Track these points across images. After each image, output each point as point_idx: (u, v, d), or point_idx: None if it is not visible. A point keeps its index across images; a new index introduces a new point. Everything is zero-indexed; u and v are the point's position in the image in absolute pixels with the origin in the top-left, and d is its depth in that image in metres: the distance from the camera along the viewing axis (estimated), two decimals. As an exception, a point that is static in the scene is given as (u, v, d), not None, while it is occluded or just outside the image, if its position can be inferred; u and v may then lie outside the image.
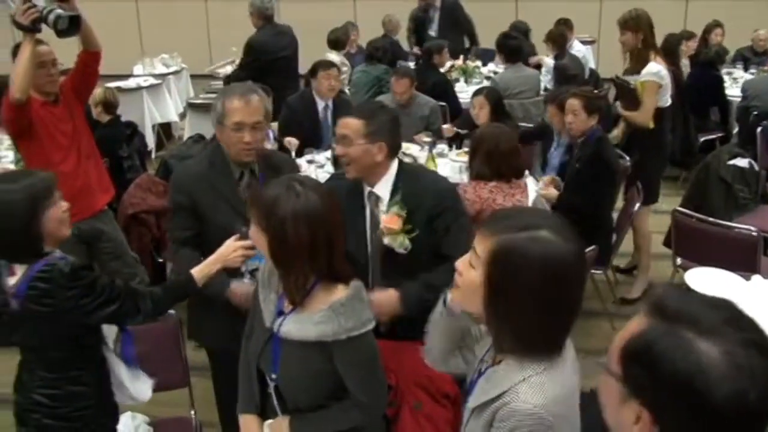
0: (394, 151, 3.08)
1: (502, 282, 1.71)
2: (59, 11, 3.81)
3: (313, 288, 2.31)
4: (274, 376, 2.40)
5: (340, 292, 2.29)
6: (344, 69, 7.95)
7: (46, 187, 2.61)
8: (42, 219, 2.56)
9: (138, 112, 8.53)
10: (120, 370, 2.82)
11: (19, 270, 2.58)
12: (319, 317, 2.26)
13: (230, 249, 2.81)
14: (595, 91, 6.08)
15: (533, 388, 1.71)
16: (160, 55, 9.99)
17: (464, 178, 4.93)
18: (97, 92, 6.16)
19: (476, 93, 6.04)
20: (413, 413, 2.84)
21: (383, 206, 3.06)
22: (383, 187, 3.07)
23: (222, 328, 3.06)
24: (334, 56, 7.76)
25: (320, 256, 2.24)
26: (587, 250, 4.02)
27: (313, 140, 5.94)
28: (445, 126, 6.26)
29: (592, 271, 4.57)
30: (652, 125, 5.18)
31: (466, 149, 5.79)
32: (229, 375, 3.15)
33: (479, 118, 5.79)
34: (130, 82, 9.07)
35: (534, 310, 1.69)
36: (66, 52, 4.56)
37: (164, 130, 9.26)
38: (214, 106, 3.12)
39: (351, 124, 3.00)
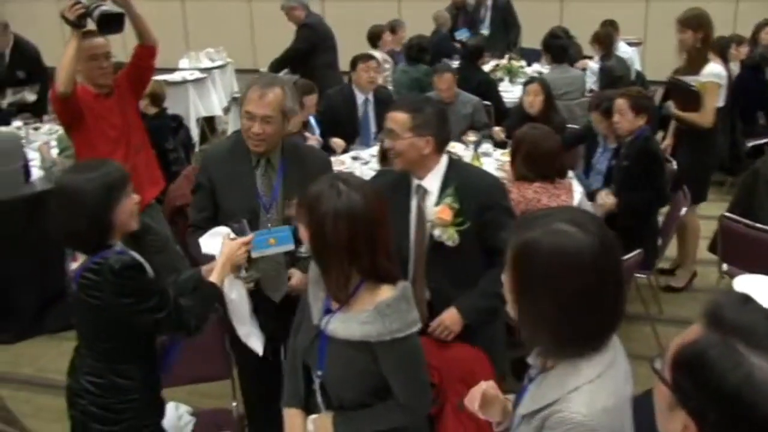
0: (442, 144, 3.10)
1: (524, 280, 1.72)
2: (104, 8, 3.88)
3: (358, 288, 2.32)
4: (319, 372, 2.41)
5: (386, 292, 2.28)
6: (386, 66, 7.96)
7: (122, 177, 2.64)
8: (115, 209, 2.58)
9: (183, 105, 8.60)
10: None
11: (82, 256, 2.62)
12: (365, 317, 2.26)
13: (234, 249, 2.84)
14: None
15: (585, 397, 1.68)
16: (205, 49, 10.07)
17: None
18: None
19: (529, 81, 6.06)
20: (456, 412, 2.84)
21: (431, 200, 3.07)
22: (432, 181, 3.09)
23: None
24: (376, 54, 7.77)
25: (361, 255, 2.24)
26: (632, 253, 3.99)
27: (351, 134, 5.96)
28: (495, 128, 6.20)
29: (637, 274, 4.51)
30: (710, 126, 5.13)
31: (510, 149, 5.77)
32: (254, 369, 3.20)
33: (533, 106, 5.80)
34: (176, 76, 9.15)
35: (557, 305, 1.67)
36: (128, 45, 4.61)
37: (208, 124, 9.33)
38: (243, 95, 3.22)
39: (397, 118, 3.04)
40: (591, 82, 7.74)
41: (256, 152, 3.15)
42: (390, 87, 7.35)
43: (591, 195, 4.83)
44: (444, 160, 3.11)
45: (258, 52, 11.24)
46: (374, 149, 5.55)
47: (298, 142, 3.36)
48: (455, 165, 3.16)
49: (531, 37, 9.67)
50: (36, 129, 6.75)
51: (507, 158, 5.48)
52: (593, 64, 7.88)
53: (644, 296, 4.96)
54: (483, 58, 7.96)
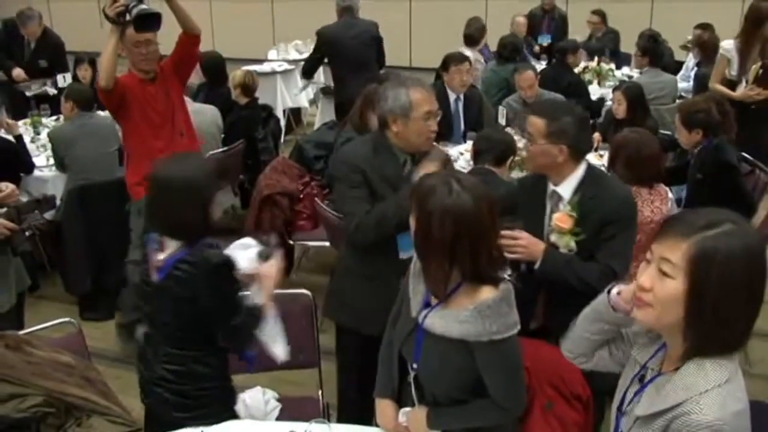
0: (579, 153, 3.07)
1: (712, 284, 1.67)
2: (143, 6, 4.01)
3: (459, 286, 2.32)
4: (415, 365, 2.44)
5: (488, 293, 2.28)
6: (478, 66, 7.93)
7: (215, 170, 2.72)
8: (215, 200, 2.67)
9: (271, 96, 8.74)
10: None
11: (171, 246, 2.65)
12: (464, 316, 2.27)
13: (273, 271, 2.77)
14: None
15: (715, 400, 1.68)
16: (293, 41, 10.21)
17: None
18: (237, 75, 6.39)
19: (616, 88, 6.04)
20: (544, 413, 2.83)
21: (563, 206, 3.07)
22: (566, 188, 3.08)
23: (367, 312, 3.16)
24: (468, 52, 7.74)
25: (462, 256, 2.23)
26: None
27: (444, 133, 5.96)
28: (595, 135, 6.09)
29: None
30: None
31: (601, 152, 5.71)
32: (359, 358, 3.22)
33: (618, 112, 5.78)
34: (265, 67, 9.31)
35: (744, 304, 1.69)
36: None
37: (294, 115, 9.45)
38: (394, 99, 3.12)
39: (534, 123, 3.06)
40: (682, 87, 7.60)
41: (415, 150, 3.19)
42: (479, 86, 7.33)
43: (679, 201, 4.75)
44: (582, 168, 3.09)
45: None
46: (463, 147, 5.56)
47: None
48: (592, 175, 3.11)
49: (621, 39, 9.56)
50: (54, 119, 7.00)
51: (597, 161, 5.45)
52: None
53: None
54: (577, 56, 7.84)
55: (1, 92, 7.46)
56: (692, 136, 4.69)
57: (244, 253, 2.79)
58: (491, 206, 2.28)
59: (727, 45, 5.98)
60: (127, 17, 4.03)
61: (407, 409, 2.51)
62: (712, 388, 1.69)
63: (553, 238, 3.07)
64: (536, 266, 3.04)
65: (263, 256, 2.78)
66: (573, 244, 3.02)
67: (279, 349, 2.85)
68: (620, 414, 1.95)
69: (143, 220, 3.21)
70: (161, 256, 2.66)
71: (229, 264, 2.63)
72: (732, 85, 5.94)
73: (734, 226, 1.69)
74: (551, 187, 3.13)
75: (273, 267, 2.76)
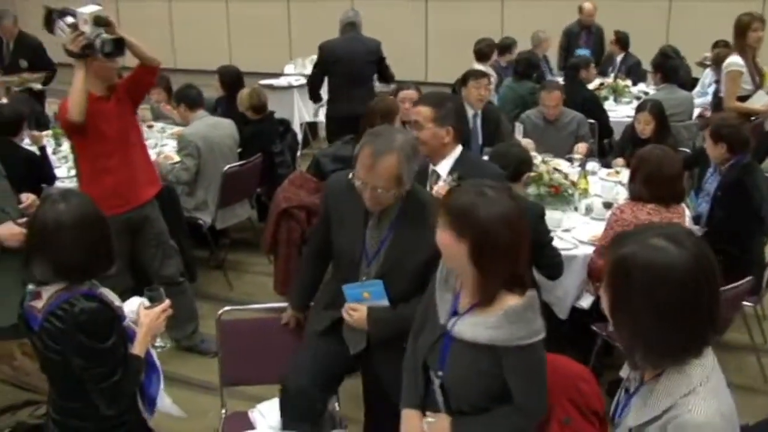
0: (460, 135, 3.59)
1: (620, 294, 1.80)
2: (105, 35, 4.00)
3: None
4: (440, 373, 2.47)
5: (514, 299, 2.33)
6: (491, 79, 7.97)
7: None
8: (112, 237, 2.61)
9: (288, 110, 8.79)
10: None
11: (47, 293, 2.49)
12: (492, 322, 2.31)
13: (154, 318, 2.68)
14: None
15: (701, 399, 1.74)
16: (310, 56, 10.26)
17: (618, 198, 4.88)
18: (243, 98, 6.40)
19: (640, 108, 5.99)
20: (561, 427, 2.84)
21: (442, 182, 3.48)
22: (443, 166, 3.55)
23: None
24: (479, 67, 7.79)
25: (518, 258, 2.31)
26: (743, 281, 3.91)
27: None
28: (618, 160, 6.06)
29: (744, 303, 4.41)
30: None
31: (617, 169, 5.72)
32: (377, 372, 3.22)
33: (644, 133, 5.76)
34: (282, 81, 9.37)
35: (652, 317, 1.74)
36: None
37: (311, 129, 9.50)
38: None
39: (422, 111, 3.52)
40: (699, 103, 7.61)
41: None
42: (494, 101, 7.35)
43: (696, 219, 4.76)
44: (458, 150, 3.58)
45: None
46: (479, 161, 5.58)
47: (423, 196, 3.12)
48: (466, 154, 3.60)
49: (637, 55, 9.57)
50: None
51: (613, 178, 5.47)
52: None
53: (750, 325, 4.84)
54: (590, 71, 7.88)
55: (25, 104, 7.55)
56: (717, 149, 4.71)
57: (130, 300, 2.74)
58: (522, 208, 2.39)
59: (738, 59, 6.13)
60: (94, 48, 4.02)
61: (431, 419, 2.53)
62: (694, 387, 1.75)
63: None
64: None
65: (152, 300, 2.69)
66: None
67: (166, 402, 2.76)
68: (614, 424, 2.02)
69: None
70: (40, 305, 2.49)
71: (101, 316, 2.46)
72: (744, 99, 6.16)
73: (661, 243, 1.76)
74: (431, 167, 3.57)
75: (151, 314, 2.67)
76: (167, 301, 2.74)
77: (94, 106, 4.18)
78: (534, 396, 2.42)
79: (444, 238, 2.34)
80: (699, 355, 1.79)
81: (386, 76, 7.47)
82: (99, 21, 4.01)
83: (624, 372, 1.98)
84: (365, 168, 2.84)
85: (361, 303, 2.99)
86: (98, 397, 2.50)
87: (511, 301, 2.33)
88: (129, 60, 4.41)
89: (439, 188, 3.43)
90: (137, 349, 2.61)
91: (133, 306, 2.71)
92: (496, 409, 2.42)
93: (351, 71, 7.14)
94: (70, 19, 4.04)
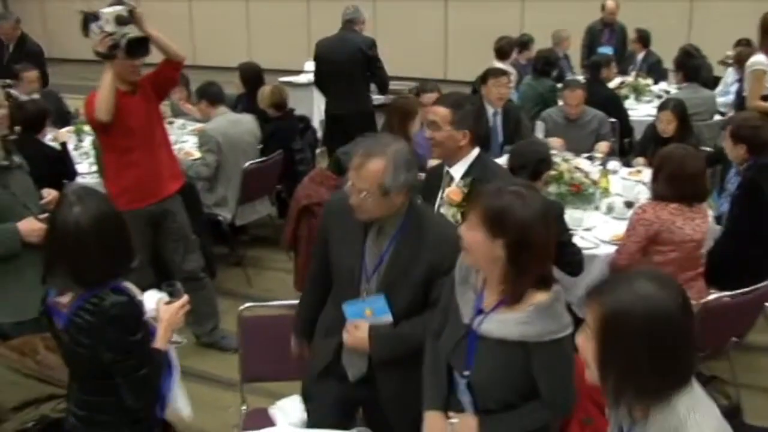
0: (477, 138, 3.54)
1: (612, 344, 1.79)
2: (130, 35, 4.13)
3: None
4: (466, 372, 2.46)
5: (542, 295, 2.34)
6: (511, 77, 7.95)
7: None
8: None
9: (307, 107, 8.80)
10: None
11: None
12: (523, 318, 2.32)
13: (173, 313, 2.68)
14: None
15: (702, 418, 1.77)
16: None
17: (639, 197, 4.86)
18: (264, 96, 6.42)
19: (662, 107, 5.93)
20: (582, 427, 2.85)
21: (455, 184, 3.51)
22: (458, 169, 3.53)
23: None
24: (499, 65, 7.78)
25: (550, 256, 2.35)
26: (764, 283, 3.89)
27: (482, 145, 5.97)
28: (639, 159, 6.01)
29: (766, 304, 4.37)
30: None
31: (638, 168, 5.69)
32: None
33: (666, 132, 5.72)
34: (301, 78, 9.39)
35: (647, 362, 1.76)
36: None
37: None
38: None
39: (440, 112, 3.49)
40: (721, 102, 7.55)
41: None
42: (513, 99, 7.34)
43: (718, 218, 4.72)
44: (474, 153, 3.53)
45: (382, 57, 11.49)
46: (501, 160, 5.56)
47: (424, 208, 3.04)
48: (481, 158, 3.55)
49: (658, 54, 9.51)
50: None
51: (634, 177, 5.44)
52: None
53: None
54: (610, 70, 7.83)
55: (51, 101, 7.59)
56: (737, 149, 4.69)
57: (149, 295, 2.73)
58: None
59: (762, 58, 6.01)
60: (118, 48, 4.12)
61: (453, 420, 2.52)
62: (686, 415, 1.77)
63: (443, 210, 3.48)
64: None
65: (170, 296, 2.70)
66: (459, 216, 3.37)
67: (181, 403, 2.75)
68: None
69: None
70: (65, 300, 2.50)
71: (130, 310, 2.48)
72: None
73: (652, 289, 1.78)
74: (446, 168, 3.57)
75: (170, 309, 2.68)
76: (185, 297, 2.75)
77: (120, 101, 4.26)
78: (563, 391, 2.42)
79: (474, 237, 2.34)
80: (687, 385, 1.82)
81: (378, 79, 7.25)
82: (121, 20, 4.10)
83: (614, 415, 1.99)
84: (354, 168, 2.74)
85: (363, 320, 2.86)
86: (127, 390, 2.52)
87: (539, 296, 2.34)
88: (151, 57, 4.46)
89: (451, 191, 3.47)
90: (159, 343, 2.63)
91: (151, 301, 2.72)
92: (523, 405, 2.43)
93: (336, 70, 7.11)
94: (100, 22, 4.13)
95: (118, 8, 4.13)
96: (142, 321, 2.54)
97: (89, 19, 4.18)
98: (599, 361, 1.82)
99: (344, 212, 2.86)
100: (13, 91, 7.22)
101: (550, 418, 2.47)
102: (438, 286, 2.73)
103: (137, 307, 2.52)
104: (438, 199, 3.54)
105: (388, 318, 2.83)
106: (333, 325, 2.98)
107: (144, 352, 2.53)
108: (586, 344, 1.86)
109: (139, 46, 4.18)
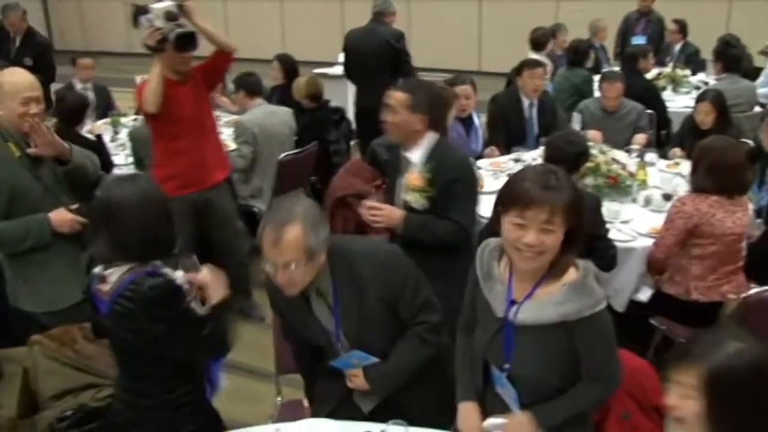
0: (433, 123, 3.56)
1: (726, 405, 1.85)
2: (179, 30, 4.28)
3: (543, 276, 2.37)
4: (507, 365, 2.43)
5: (572, 273, 2.34)
6: (546, 69, 7.87)
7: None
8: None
9: (342, 98, 8.78)
10: None
11: (114, 276, 2.52)
12: (560, 298, 2.31)
13: (210, 278, 2.68)
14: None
15: None
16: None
17: (677, 189, 4.79)
18: (300, 87, 6.43)
19: (700, 98, 5.84)
20: (620, 422, 2.81)
21: (413, 169, 3.54)
22: (416, 154, 3.56)
23: None
24: (535, 56, 7.70)
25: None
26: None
27: (518, 137, 5.96)
28: (675, 150, 5.96)
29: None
30: None
31: (676, 160, 5.62)
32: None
33: (705, 124, 5.65)
34: (336, 69, 9.36)
35: (755, 415, 1.84)
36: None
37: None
38: None
39: (395, 96, 3.55)
40: (762, 93, 7.42)
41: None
42: (549, 90, 7.27)
43: (758, 212, 4.65)
44: (432, 138, 3.56)
45: (413, 49, 11.45)
46: (536, 152, 5.53)
47: (343, 247, 2.80)
48: (440, 143, 3.58)
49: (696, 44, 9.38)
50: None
51: (672, 170, 5.37)
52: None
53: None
54: (648, 61, 7.73)
55: (101, 94, 7.66)
56: None
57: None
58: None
59: None
60: (168, 42, 4.28)
61: (498, 421, 2.48)
62: None
63: (408, 197, 3.56)
64: (398, 231, 3.52)
65: (186, 270, 2.69)
66: (422, 201, 3.51)
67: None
68: None
69: None
70: (106, 288, 2.54)
71: (170, 289, 2.52)
72: None
73: (738, 344, 1.86)
74: (403, 153, 3.61)
75: (208, 274, 2.68)
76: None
77: (170, 90, 4.41)
78: (610, 363, 2.41)
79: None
80: None
81: (402, 74, 7.09)
82: (170, 16, 4.28)
83: None
84: (269, 245, 2.55)
85: (355, 369, 2.86)
86: (201, 353, 2.65)
87: (570, 276, 2.33)
88: (200, 50, 4.57)
89: (412, 176, 3.52)
90: (214, 300, 2.65)
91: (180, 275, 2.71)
92: (572, 389, 2.41)
93: (362, 63, 7.17)
94: (150, 16, 4.31)
95: (168, 4, 4.30)
96: (183, 295, 2.58)
97: (139, 12, 4.33)
98: (711, 424, 1.88)
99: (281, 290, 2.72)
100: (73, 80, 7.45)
101: (603, 394, 2.47)
102: (404, 303, 2.76)
103: (174, 283, 2.57)
104: (396, 184, 3.67)
105: (374, 360, 2.84)
106: (333, 373, 2.96)
107: (195, 317, 2.59)
108: (682, 403, 1.91)
109: (188, 40, 4.32)
